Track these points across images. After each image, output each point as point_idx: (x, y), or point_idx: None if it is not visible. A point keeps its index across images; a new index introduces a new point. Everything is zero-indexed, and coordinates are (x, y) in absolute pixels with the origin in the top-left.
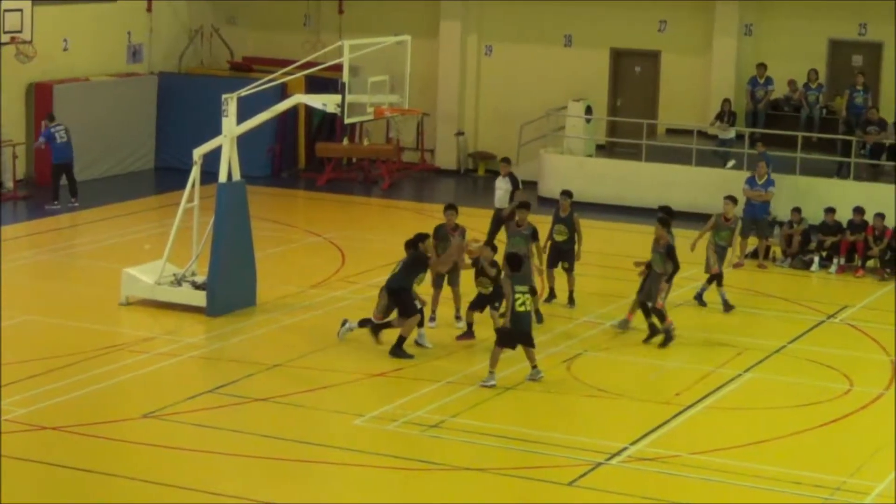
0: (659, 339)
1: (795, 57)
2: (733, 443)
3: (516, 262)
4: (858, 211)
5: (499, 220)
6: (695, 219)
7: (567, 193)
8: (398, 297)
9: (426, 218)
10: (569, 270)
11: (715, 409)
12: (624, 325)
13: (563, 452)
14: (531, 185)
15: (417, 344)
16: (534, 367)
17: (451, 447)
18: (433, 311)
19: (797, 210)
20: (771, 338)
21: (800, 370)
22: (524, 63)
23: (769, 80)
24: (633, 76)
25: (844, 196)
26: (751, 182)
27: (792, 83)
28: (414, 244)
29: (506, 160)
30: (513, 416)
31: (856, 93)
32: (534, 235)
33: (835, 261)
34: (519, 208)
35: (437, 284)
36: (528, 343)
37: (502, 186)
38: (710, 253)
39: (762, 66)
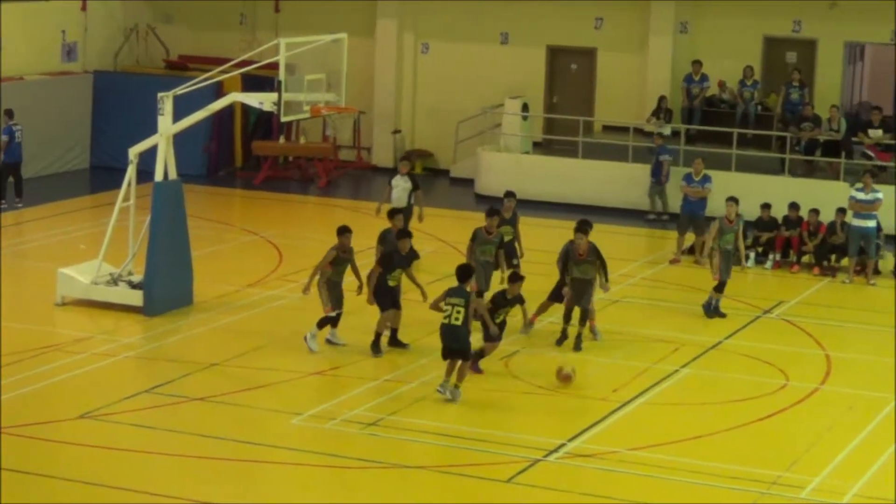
0: (571, 342)
1: (731, 54)
2: (671, 438)
3: (462, 274)
4: (794, 207)
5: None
6: (631, 216)
7: (510, 194)
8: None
9: (363, 216)
10: (517, 267)
11: (652, 405)
12: (527, 329)
13: (502, 449)
14: (468, 182)
15: (329, 342)
16: (455, 385)
17: (389, 445)
18: None
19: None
20: (707, 334)
21: (736, 366)
22: (461, 61)
23: (704, 77)
24: (570, 74)
25: (780, 192)
26: (688, 179)
27: (722, 84)
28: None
29: (405, 158)
30: (451, 414)
31: (792, 89)
32: (501, 243)
33: (770, 256)
34: (489, 215)
35: None
36: (458, 356)
37: (401, 185)
38: (715, 259)
39: (697, 64)
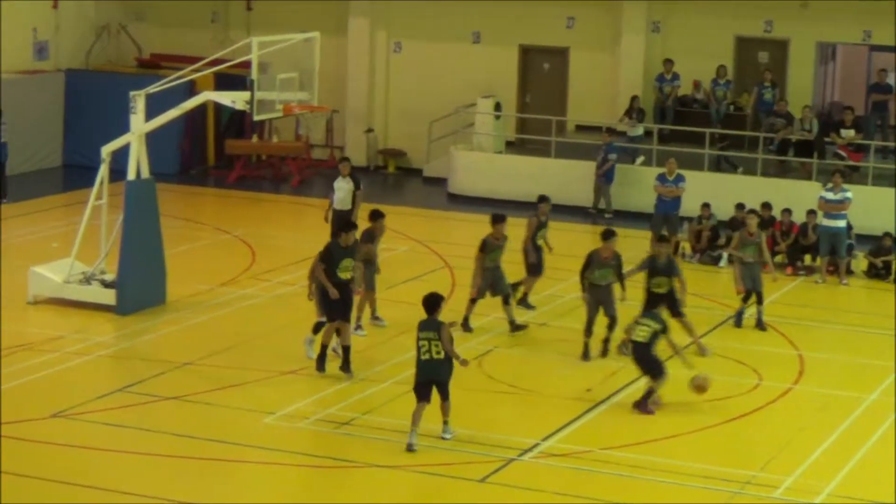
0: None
1: (703, 54)
2: (644, 438)
3: (431, 305)
4: (766, 206)
5: (342, 223)
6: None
7: (545, 199)
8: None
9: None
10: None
11: (626, 405)
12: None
13: (475, 449)
14: (441, 182)
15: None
16: (444, 421)
17: (362, 445)
18: (359, 316)
19: (706, 206)
20: (680, 333)
21: (709, 365)
22: (433, 60)
23: (676, 76)
24: (542, 73)
25: (753, 192)
26: (661, 178)
27: (697, 83)
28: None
29: (345, 160)
30: (425, 414)
31: (764, 89)
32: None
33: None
34: (495, 222)
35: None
36: (439, 391)
37: (343, 187)
38: (736, 271)
39: (669, 62)
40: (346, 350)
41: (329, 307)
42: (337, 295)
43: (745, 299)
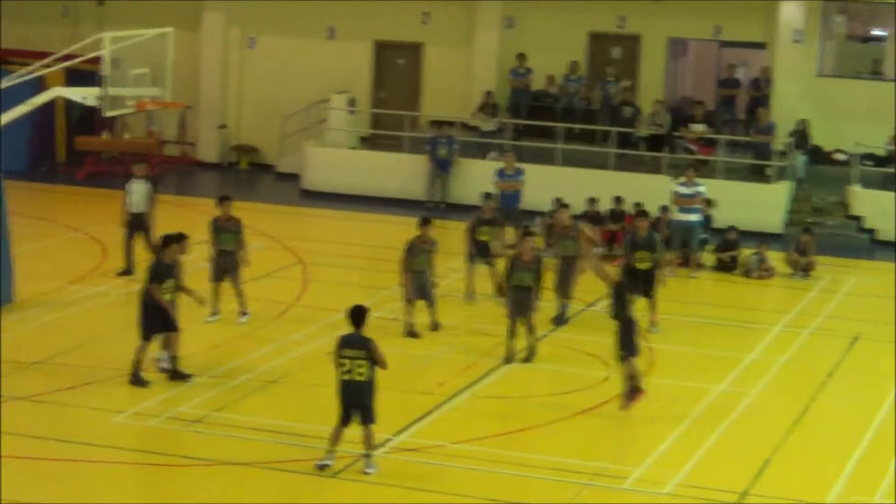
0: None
1: (556, 49)
2: (495, 431)
3: (357, 317)
4: (618, 201)
5: (137, 226)
6: (460, 210)
7: (490, 196)
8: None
9: (188, 211)
10: (492, 265)
11: (478, 399)
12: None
13: (328, 445)
14: (294, 177)
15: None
16: (366, 454)
17: (214, 442)
18: (215, 306)
19: (558, 200)
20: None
21: (560, 358)
22: (287, 55)
23: (529, 71)
24: (397, 68)
25: (604, 186)
26: (501, 174)
27: (550, 78)
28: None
29: (141, 161)
30: (277, 410)
31: (608, 84)
32: (434, 249)
33: (595, 250)
34: (422, 225)
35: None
36: (362, 417)
37: (139, 189)
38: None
39: (522, 57)
40: (174, 360)
41: (148, 323)
42: (164, 312)
43: (559, 292)
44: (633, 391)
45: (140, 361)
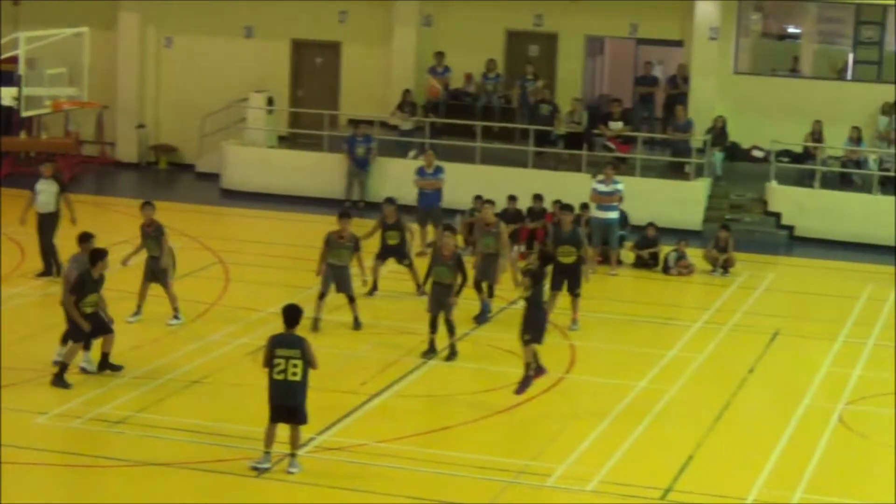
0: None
1: (474, 48)
2: (419, 430)
3: (291, 317)
4: (538, 198)
5: (48, 226)
6: (379, 209)
7: (391, 200)
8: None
9: (106, 212)
10: (410, 265)
11: (401, 397)
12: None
13: (252, 445)
14: (214, 177)
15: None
16: (291, 454)
17: (137, 443)
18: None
19: (478, 198)
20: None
21: (482, 356)
22: (205, 54)
23: (447, 69)
24: (315, 67)
25: (523, 184)
26: (421, 172)
27: (469, 76)
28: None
29: (48, 161)
30: (200, 410)
31: (527, 82)
32: (356, 246)
33: (515, 248)
34: (341, 218)
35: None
36: (290, 419)
37: (48, 189)
38: (476, 261)
39: (440, 55)
40: (106, 356)
41: (79, 331)
42: (88, 327)
43: (479, 290)
44: (527, 379)
45: (68, 365)
